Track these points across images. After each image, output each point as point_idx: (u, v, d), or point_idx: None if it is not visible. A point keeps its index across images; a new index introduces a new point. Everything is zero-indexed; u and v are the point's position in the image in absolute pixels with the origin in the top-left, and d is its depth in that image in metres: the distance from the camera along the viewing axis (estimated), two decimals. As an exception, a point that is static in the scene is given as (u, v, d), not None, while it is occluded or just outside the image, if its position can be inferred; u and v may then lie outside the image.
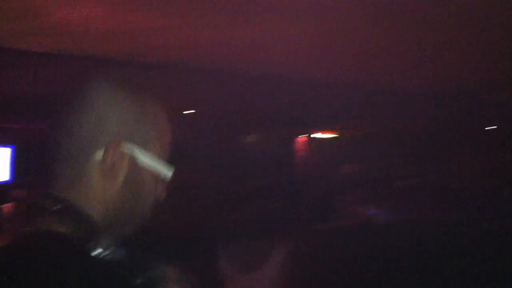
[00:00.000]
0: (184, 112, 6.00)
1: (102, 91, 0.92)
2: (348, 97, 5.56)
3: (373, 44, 3.76)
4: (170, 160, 0.97)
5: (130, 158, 0.92)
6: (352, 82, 5.13)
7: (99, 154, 0.90)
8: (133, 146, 0.92)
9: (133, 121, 0.92)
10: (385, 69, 4.67)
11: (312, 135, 9.00)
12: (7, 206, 4.92)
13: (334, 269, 2.35)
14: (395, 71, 4.76)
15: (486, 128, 8.89)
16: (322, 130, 8.86)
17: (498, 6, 3.23)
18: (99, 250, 0.86)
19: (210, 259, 2.59)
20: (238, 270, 2.44)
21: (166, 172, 0.97)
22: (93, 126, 0.90)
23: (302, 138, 9.02)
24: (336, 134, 9.05)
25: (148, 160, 0.94)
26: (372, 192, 5.69)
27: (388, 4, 2.88)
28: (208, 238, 2.65)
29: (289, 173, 7.73)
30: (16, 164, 6.61)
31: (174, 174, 0.98)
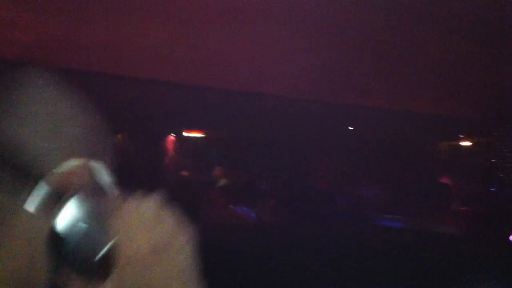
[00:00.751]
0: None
1: None
2: (216, 100, 5.59)
3: (235, 46, 3.80)
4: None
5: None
6: (219, 85, 5.16)
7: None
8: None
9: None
10: (250, 73, 4.74)
11: (177, 137, 8.98)
12: None
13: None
14: (261, 75, 4.85)
15: (349, 129, 9.42)
16: (187, 131, 8.85)
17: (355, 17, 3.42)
18: None
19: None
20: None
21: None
22: None
23: (168, 138, 8.94)
24: (205, 135, 9.09)
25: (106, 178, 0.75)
26: (239, 191, 5.78)
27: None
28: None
29: (153, 173, 7.63)
30: None
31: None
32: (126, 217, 0.73)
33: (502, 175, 7.20)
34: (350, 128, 9.27)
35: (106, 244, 0.70)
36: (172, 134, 8.82)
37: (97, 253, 0.69)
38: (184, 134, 8.89)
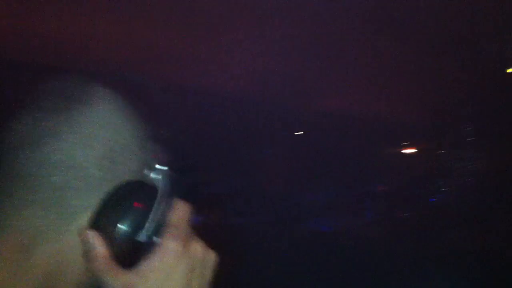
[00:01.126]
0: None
1: None
2: (156, 96, 5.49)
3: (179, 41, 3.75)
4: None
5: None
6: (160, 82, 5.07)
7: None
8: None
9: None
10: (194, 71, 4.67)
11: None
12: None
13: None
14: (205, 74, 4.79)
15: (296, 133, 9.46)
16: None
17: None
18: None
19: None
20: None
21: None
22: None
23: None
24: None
25: None
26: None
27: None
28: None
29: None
30: None
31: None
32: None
33: (442, 182, 7.38)
34: (294, 131, 9.32)
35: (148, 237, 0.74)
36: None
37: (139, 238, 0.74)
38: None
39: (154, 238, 0.74)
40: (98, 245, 0.69)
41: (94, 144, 0.71)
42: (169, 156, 0.84)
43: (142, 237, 0.73)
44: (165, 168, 0.80)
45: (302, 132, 9.42)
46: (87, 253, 0.70)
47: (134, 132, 0.78)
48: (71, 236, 0.69)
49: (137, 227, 0.73)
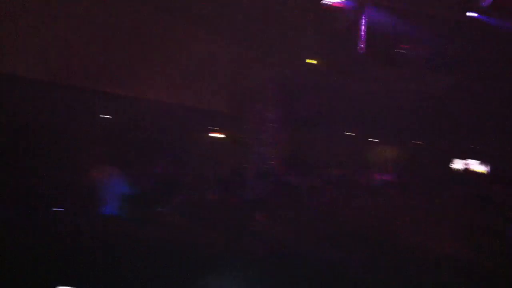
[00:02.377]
0: None
1: None
2: None
3: None
4: None
5: None
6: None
7: None
8: None
9: None
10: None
11: None
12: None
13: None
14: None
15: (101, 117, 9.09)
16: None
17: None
18: None
19: None
20: None
21: None
22: None
23: None
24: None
25: None
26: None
27: None
28: None
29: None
30: None
31: None
32: None
33: (246, 167, 7.67)
34: (104, 116, 8.99)
35: None
36: None
37: None
38: None
39: None
40: None
41: None
42: None
43: None
44: None
45: (110, 117, 9.08)
46: None
47: None
48: None
49: None
